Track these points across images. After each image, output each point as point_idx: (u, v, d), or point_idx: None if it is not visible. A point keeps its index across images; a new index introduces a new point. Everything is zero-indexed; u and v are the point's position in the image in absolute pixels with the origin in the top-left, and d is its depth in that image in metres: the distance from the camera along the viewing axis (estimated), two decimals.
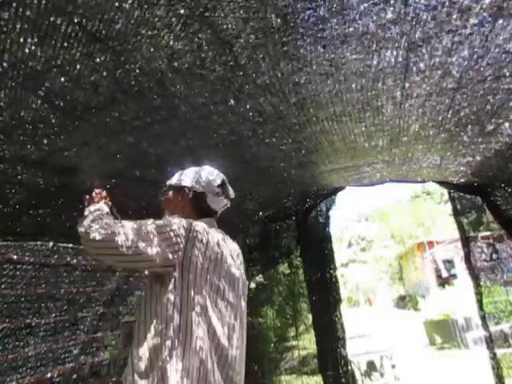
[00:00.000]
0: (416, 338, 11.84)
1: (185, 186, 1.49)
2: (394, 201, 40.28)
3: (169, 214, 1.47)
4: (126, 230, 1.23)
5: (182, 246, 1.23)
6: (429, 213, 32.25)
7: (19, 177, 1.93)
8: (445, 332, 10.98)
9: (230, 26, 1.29)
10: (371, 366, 6.90)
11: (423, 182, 3.79)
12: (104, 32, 1.21)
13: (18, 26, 1.11)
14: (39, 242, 2.83)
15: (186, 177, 1.52)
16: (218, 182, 1.51)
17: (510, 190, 3.25)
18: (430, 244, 21.55)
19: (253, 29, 1.32)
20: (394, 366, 7.05)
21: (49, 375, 3.05)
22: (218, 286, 1.27)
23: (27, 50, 1.19)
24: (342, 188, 3.89)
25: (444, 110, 2.06)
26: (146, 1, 1.14)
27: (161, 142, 2.01)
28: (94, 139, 1.84)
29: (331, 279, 4.07)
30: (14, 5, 1.05)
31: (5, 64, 1.23)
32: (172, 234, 1.24)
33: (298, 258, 4.32)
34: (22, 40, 1.15)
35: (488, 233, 4.01)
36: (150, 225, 1.26)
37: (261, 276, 4.44)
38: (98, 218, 1.33)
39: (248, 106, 1.81)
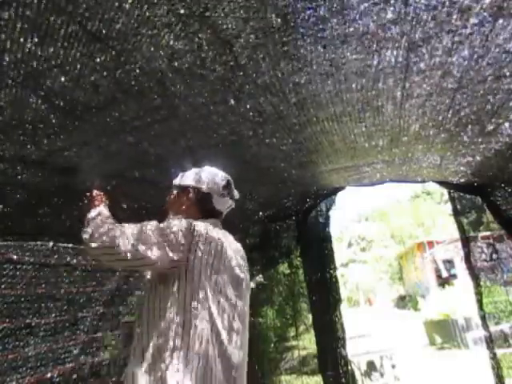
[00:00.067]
0: (416, 338, 11.85)
1: (190, 187, 1.49)
2: (394, 201, 40.35)
3: (173, 214, 1.47)
4: (127, 235, 1.23)
5: (183, 247, 1.23)
6: (429, 213, 32.25)
7: (19, 177, 1.93)
8: (445, 332, 10.98)
9: (230, 25, 1.29)
10: (371, 366, 6.90)
11: (423, 182, 3.78)
12: (104, 32, 1.21)
13: (18, 26, 1.11)
14: (39, 242, 2.83)
15: (191, 177, 1.52)
16: (224, 182, 1.51)
17: (510, 190, 3.25)
18: (430, 244, 21.55)
19: (253, 29, 1.32)
20: (393, 366, 7.05)
21: (49, 375, 3.05)
22: (222, 287, 1.27)
23: (27, 50, 1.19)
24: (342, 188, 3.88)
25: (444, 110, 2.06)
26: (146, 0, 1.13)
27: (161, 141, 2.01)
28: (94, 139, 1.84)
29: (331, 279, 4.06)
30: (14, 5, 1.05)
31: (5, 64, 1.23)
32: (173, 235, 1.24)
33: (298, 258, 4.31)
34: (22, 40, 1.15)
35: (488, 233, 4.00)
36: (150, 228, 1.26)
37: (261, 276, 4.43)
38: (99, 224, 1.33)
39: (248, 106, 1.81)
